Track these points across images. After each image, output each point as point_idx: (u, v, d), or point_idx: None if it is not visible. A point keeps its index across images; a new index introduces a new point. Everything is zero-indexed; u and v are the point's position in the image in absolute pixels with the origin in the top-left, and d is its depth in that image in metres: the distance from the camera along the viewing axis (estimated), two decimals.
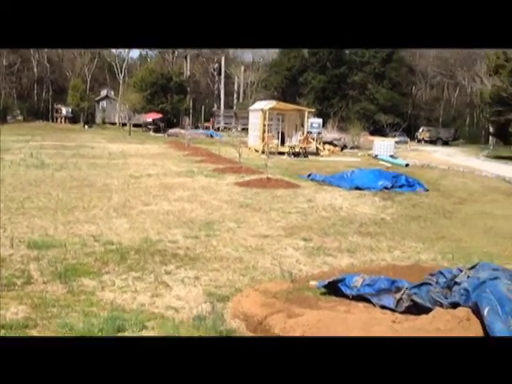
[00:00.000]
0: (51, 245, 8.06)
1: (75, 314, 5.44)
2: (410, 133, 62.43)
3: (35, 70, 74.66)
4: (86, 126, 64.88)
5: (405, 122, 62.67)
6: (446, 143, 59.38)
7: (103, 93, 74.61)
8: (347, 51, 69.92)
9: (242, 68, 75.55)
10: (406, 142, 50.67)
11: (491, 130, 49.37)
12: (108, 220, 10.14)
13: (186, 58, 75.00)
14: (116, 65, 76.78)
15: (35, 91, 75.62)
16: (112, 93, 74.72)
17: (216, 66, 77.42)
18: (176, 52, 77.37)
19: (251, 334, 5.17)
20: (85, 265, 7.18)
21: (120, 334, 4.98)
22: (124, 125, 65.25)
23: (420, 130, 62.90)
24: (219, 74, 75.65)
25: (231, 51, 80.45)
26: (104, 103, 73.91)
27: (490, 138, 53.88)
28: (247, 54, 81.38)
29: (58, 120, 70.25)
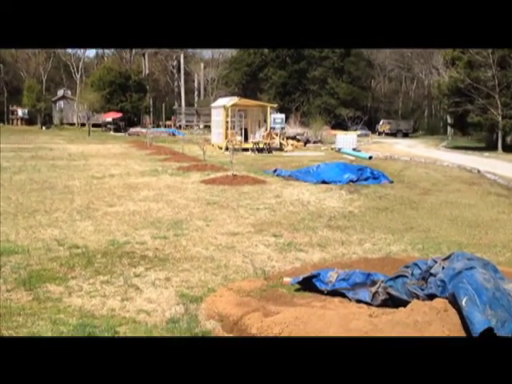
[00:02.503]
0: (13, 251, 7.74)
1: (42, 322, 5.20)
2: (371, 126, 63.24)
3: None
4: (44, 127, 63.43)
5: (365, 116, 63.47)
6: (406, 135, 60.34)
7: (60, 93, 73.01)
8: None
9: (202, 65, 75.08)
10: (367, 135, 51.28)
11: (449, 120, 50.37)
12: (72, 223, 9.83)
13: (143, 55, 74.03)
14: (72, 64, 75.27)
15: None
16: (69, 93, 73.23)
17: (175, 63, 76.71)
18: (134, 50, 76.31)
19: (227, 335, 5.04)
20: (50, 270, 6.90)
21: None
22: (83, 125, 64.12)
23: (380, 123, 63.68)
24: (178, 71, 74.98)
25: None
26: (61, 103, 72.35)
27: (449, 128, 54.98)
28: (206, 51, 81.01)
29: (14, 122, 68.56)
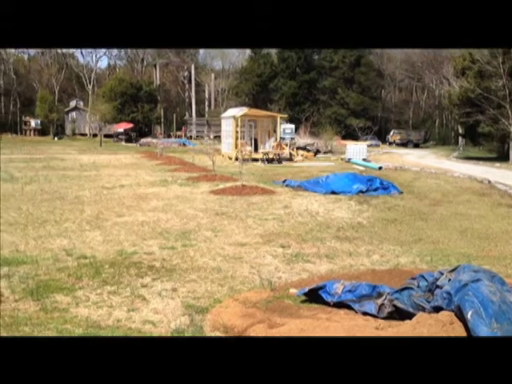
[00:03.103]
0: (22, 261, 7.81)
1: (49, 332, 5.23)
2: (381, 136, 63.14)
3: (1, 82, 73.50)
4: (56, 138, 63.98)
5: (376, 126, 63.39)
6: (416, 145, 60.18)
7: (72, 104, 73.62)
8: (316, 56, 70.43)
9: (213, 76, 75.48)
10: (377, 146, 51.26)
11: (460, 131, 50.15)
12: (81, 233, 9.89)
13: (155, 66, 74.55)
14: (84, 75, 76.02)
15: (2, 104, 74.44)
16: (81, 103, 73.84)
17: (186, 74, 77.14)
18: (145, 61, 76.89)
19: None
20: (57, 280, 6.95)
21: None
22: (95, 135, 64.57)
23: (391, 133, 63.58)
24: (189, 82, 75.37)
25: (200, 59, 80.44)
26: (74, 114, 72.94)
27: (460, 139, 54.72)
28: (217, 62, 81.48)
29: (27, 132, 69.20)
